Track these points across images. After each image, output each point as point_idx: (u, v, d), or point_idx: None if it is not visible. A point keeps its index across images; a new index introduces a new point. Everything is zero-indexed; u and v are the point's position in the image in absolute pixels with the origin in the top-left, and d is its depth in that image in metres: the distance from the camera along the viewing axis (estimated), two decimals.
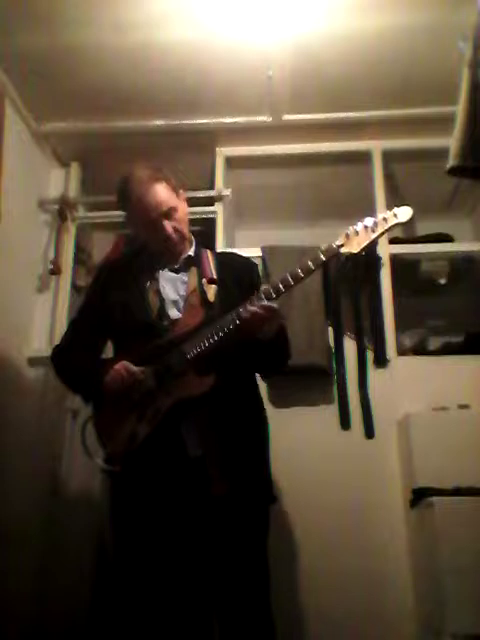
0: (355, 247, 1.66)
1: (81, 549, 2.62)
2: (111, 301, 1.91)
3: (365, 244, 1.66)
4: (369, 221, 1.66)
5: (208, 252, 1.98)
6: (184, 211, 1.92)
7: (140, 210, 1.85)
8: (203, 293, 1.83)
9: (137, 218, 1.88)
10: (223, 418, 1.76)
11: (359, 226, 1.67)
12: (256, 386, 1.97)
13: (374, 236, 1.66)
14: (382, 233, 1.67)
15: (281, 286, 1.68)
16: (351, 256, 1.68)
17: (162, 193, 1.85)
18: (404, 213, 1.65)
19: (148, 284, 1.90)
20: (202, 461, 1.73)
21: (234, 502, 1.73)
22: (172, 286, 1.89)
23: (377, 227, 1.66)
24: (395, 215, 1.65)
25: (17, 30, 2.42)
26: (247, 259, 2.08)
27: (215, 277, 1.86)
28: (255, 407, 1.91)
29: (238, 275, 1.93)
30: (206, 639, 1.78)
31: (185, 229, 1.92)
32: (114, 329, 1.93)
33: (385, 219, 1.66)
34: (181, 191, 1.93)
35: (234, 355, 1.77)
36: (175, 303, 1.86)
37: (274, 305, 1.67)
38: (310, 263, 1.67)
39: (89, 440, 1.85)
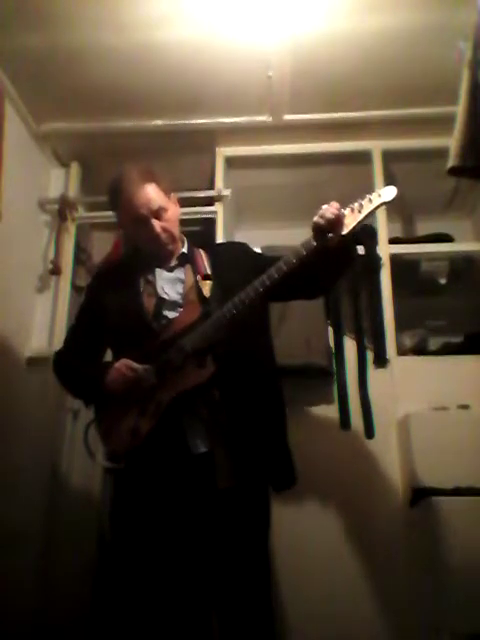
0: (343, 229, 1.68)
1: (81, 547, 2.62)
2: (107, 305, 1.91)
3: (352, 225, 1.69)
4: (355, 204, 1.69)
5: (201, 251, 1.98)
6: (174, 213, 1.92)
7: (130, 209, 1.85)
8: (199, 289, 1.84)
9: (127, 217, 1.88)
10: (232, 407, 1.76)
11: (346, 210, 1.70)
12: (272, 373, 1.94)
13: (360, 217, 1.69)
14: (368, 213, 1.69)
15: (275, 273, 1.69)
16: (340, 239, 1.69)
17: (151, 193, 1.86)
18: (388, 192, 1.68)
19: (142, 286, 1.90)
20: (205, 455, 1.73)
21: (238, 497, 1.73)
22: (171, 286, 1.90)
23: (363, 208, 1.69)
24: (379, 195, 1.69)
25: (17, 30, 2.42)
26: (235, 243, 2.14)
27: (209, 273, 1.87)
28: (269, 395, 1.88)
29: (235, 263, 1.94)
30: (206, 636, 1.79)
31: (175, 230, 1.92)
32: (111, 333, 1.94)
33: (370, 200, 1.69)
34: (172, 194, 1.93)
35: (241, 343, 1.77)
36: (176, 303, 1.86)
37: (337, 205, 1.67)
38: (302, 249, 1.70)
39: (91, 441, 1.85)
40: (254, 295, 1.71)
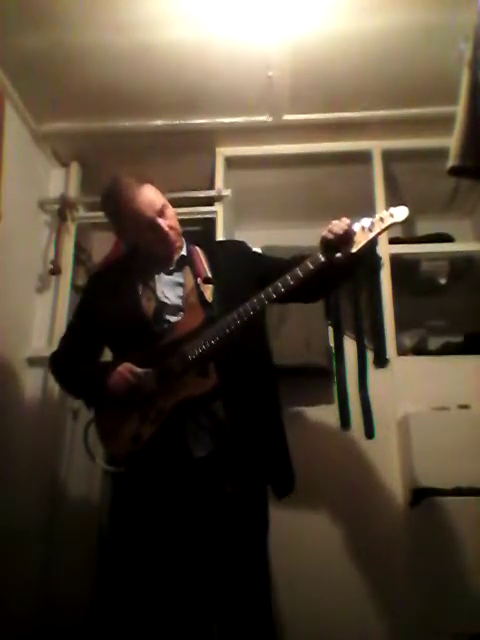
0: (353, 247, 1.67)
1: (81, 549, 2.62)
2: (104, 308, 1.90)
3: (362, 244, 1.68)
4: (366, 222, 1.68)
5: (199, 250, 1.97)
6: (173, 210, 1.93)
7: (134, 213, 1.84)
8: (200, 293, 1.83)
9: (131, 222, 1.87)
10: (236, 415, 1.76)
11: (356, 227, 1.68)
12: (271, 378, 1.94)
13: (371, 236, 1.67)
14: (379, 233, 1.69)
15: (281, 287, 1.68)
16: (349, 256, 1.69)
17: (152, 193, 1.87)
18: (400, 213, 1.67)
19: (141, 289, 1.89)
20: (207, 461, 1.73)
21: (238, 501, 1.73)
22: (171, 289, 1.89)
23: (374, 227, 1.67)
24: (391, 215, 1.67)
25: (17, 30, 2.42)
26: (234, 242, 2.14)
27: (210, 275, 1.86)
28: (269, 399, 1.88)
29: (234, 259, 1.94)
30: (206, 638, 1.79)
31: (178, 227, 1.92)
32: (111, 336, 1.93)
33: (382, 219, 1.68)
34: (165, 193, 1.93)
35: (242, 351, 1.77)
36: (177, 307, 1.85)
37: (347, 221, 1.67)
38: (309, 264, 1.68)
39: (91, 442, 1.85)
40: (259, 307, 1.70)
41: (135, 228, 1.87)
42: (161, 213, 1.86)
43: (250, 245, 2.09)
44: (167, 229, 1.86)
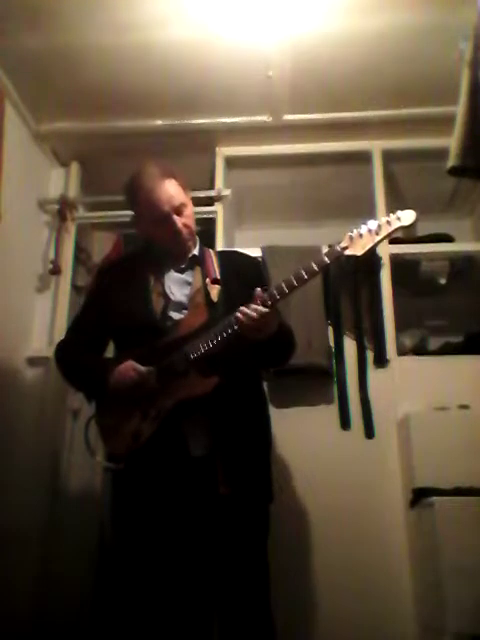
0: (359, 250, 1.66)
1: (82, 548, 2.62)
2: (113, 301, 1.91)
3: (369, 247, 1.66)
4: (373, 224, 1.66)
5: (211, 252, 1.98)
6: (191, 209, 1.93)
7: (150, 205, 1.85)
8: (207, 293, 1.84)
9: (147, 213, 1.88)
10: (229, 417, 1.77)
11: (363, 229, 1.66)
12: (261, 386, 1.98)
13: (378, 239, 1.66)
14: (386, 236, 1.67)
15: (285, 288, 1.68)
16: (354, 258, 1.68)
17: (173, 188, 1.86)
18: (408, 216, 1.65)
19: (152, 285, 1.90)
20: (205, 460, 1.73)
21: (237, 501, 1.74)
22: (179, 287, 1.90)
23: (381, 230, 1.66)
24: (399, 218, 1.65)
25: (17, 30, 2.42)
26: (251, 257, 2.12)
27: (218, 277, 1.87)
28: (259, 406, 1.92)
29: (242, 274, 1.93)
30: (206, 638, 1.79)
31: (193, 226, 1.92)
32: (116, 329, 1.94)
33: (389, 222, 1.66)
34: (188, 190, 1.94)
35: (237, 355, 1.77)
36: (181, 304, 1.86)
37: (266, 310, 1.65)
38: (314, 265, 1.67)
39: (91, 439, 1.86)
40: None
41: (150, 220, 1.88)
42: (178, 210, 1.86)
43: (250, 245, 2.10)
44: (180, 226, 1.86)
